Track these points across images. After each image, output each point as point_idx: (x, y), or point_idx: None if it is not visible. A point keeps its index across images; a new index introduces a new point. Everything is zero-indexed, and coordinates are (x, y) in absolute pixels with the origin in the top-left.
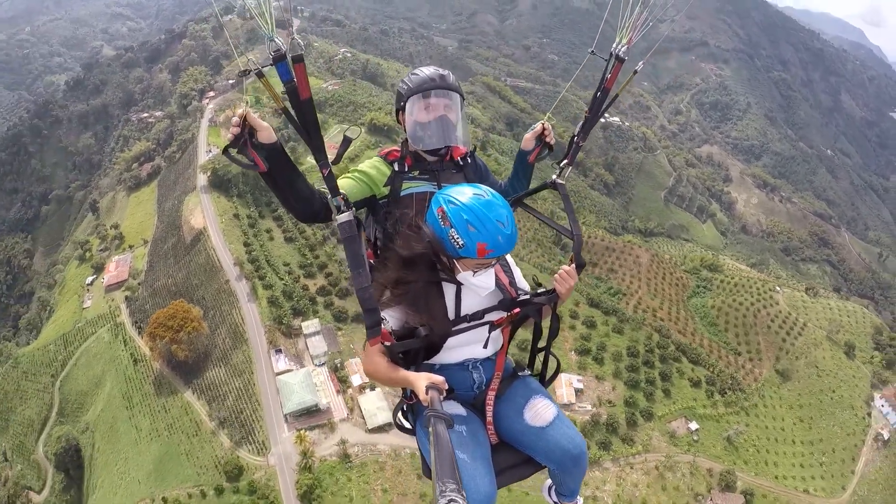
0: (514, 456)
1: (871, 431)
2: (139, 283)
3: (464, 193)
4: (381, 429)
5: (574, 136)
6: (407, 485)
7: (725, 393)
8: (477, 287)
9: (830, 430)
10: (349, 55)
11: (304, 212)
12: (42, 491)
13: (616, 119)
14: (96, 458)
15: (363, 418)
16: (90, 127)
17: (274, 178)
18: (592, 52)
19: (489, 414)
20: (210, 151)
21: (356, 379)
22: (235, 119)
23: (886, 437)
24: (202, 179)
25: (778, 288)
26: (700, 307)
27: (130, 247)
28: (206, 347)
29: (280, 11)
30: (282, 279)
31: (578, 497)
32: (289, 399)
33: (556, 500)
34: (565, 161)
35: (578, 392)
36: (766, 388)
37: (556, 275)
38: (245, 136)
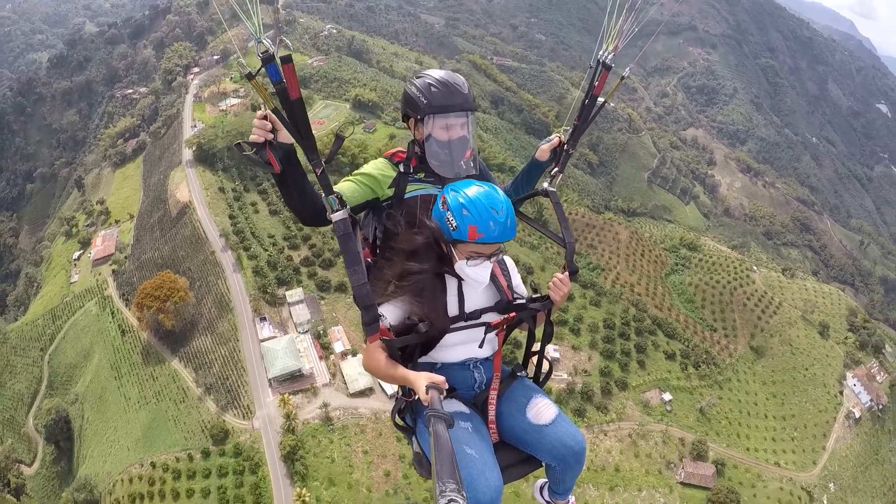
0: (513, 455)
1: (843, 409)
2: (126, 257)
3: (468, 185)
4: (362, 393)
5: (564, 144)
6: (387, 447)
7: (699, 366)
8: (470, 278)
9: (803, 407)
10: (335, 31)
11: (308, 214)
12: (33, 464)
13: (601, 99)
14: (86, 429)
15: (345, 383)
16: (74, 104)
17: (285, 179)
18: (592, 65)
19: (492, 412)
20: (195, 126)
21: (339, 346)
22: (261, 121)
23: (857, 416)
24: (188, 154)
25: (755, 268)
26: (678, 284)
27: (117, 221)
28: (193, 317)
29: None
30: (266, 250)
31: (570, 496)
32: (273, 364)
33: (548, 499)
34: (556, 169)
35: (554, 361)
36: (741, 363)
37: (550, 282)
38: (269, 137)
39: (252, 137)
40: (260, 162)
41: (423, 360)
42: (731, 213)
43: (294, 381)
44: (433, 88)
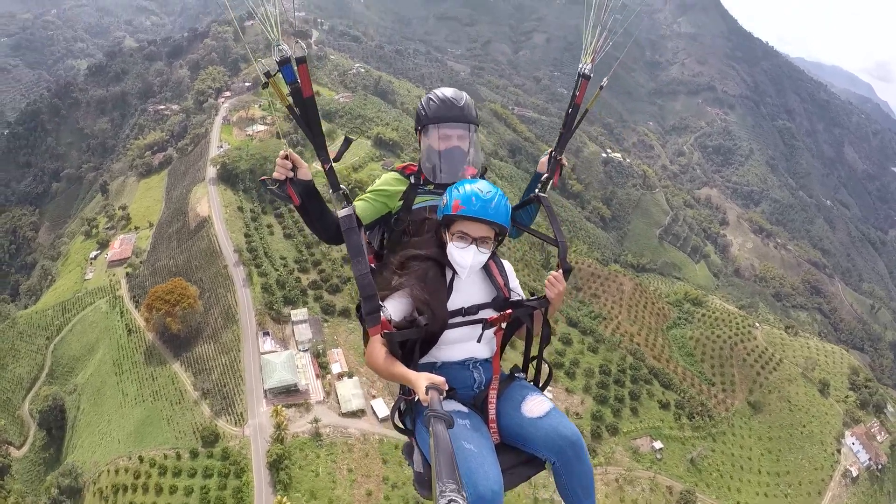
0: (515, 457)
1: (840, 468)
2: (141, 262)
3: (472, 181)
4: (353, 414)
5: (552, 152)
6: (371, 467)
7: (693, 417)
8: (455, 260)
9: (798, 464)
10: (363, 70)
11: (328, 236)
12: (22, 447)
13: (618, 155)
14: (80, 420)
15: (338, 403)
16: (107, 112)
17: (306, 210)
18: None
19: (492, 412)
20: (221, 147)
21: (336, 367)
22: (282, 161)
23: (855, 475)
24: (211, 172)
25: (757, 324)
26: (679, 337)
27: (136, 228)
28: (199, 324)
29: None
30: (277, 270)
31: None
32: (270, 376)
33: None
34: (545, 175)
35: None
36: (737, 418)
37: (546, 280)
38: (289, 176)
39: (275, 175)
40: (282, 196)
41: (423, 360)
42: (741, 274)
43: (289, 395)
44: (432, 102)
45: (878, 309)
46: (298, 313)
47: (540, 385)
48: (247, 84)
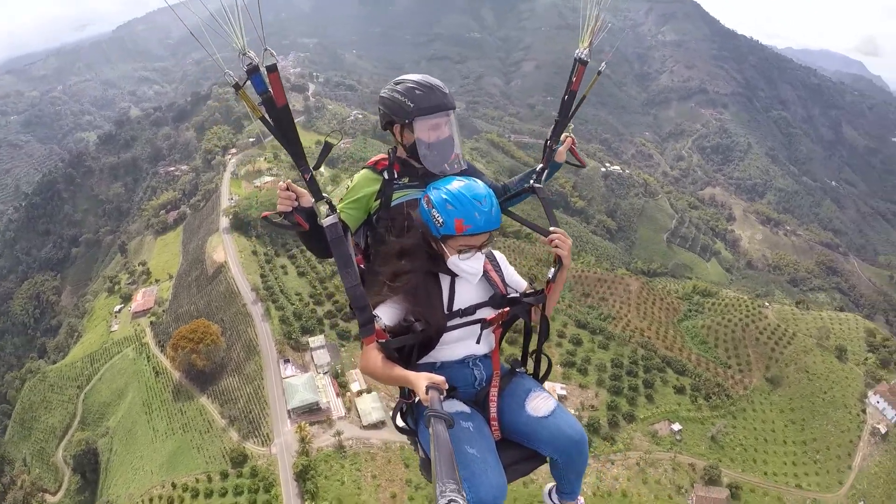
0: (517, 452)
1: (867, 427)
2: (164, 311)
3: (448, 182)
4: (374, 426)
5: (547, 141)
6: (394, 472)
7: (710, 398)
8: (464, 271)
9: (824, 429)
10: (360, 116)
11: (330, 255)
12: (57, 493)
13: (617, 168)
14: (113, 461)
15: (359, 417)
16: (120, 178)
17: (313, 234)
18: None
19: (493, 409)
20: (232, 199)
21: (356, 386)
22: (285, 192)
23: (884, 431)
24: (224, 222)
25: (767, 304)
26: (690, 328)
27: (157, 280)
28: (223, 359)
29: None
30: (293, 304)
31: (580, 497)
32: (293, 397)
33: (557, 501)
34: (541, 166)
35: (562, 398)
36: (756, 395)
37: (551, 244)
38: (294, 205)
39: (280, 207)
40: (288, 225)
41: (421, 361)
42: (755, 266)
43: (311, 413)
44: (417, 91)
45: None
46: (316, 340)
47: (540, 377)
48: (251, 140)
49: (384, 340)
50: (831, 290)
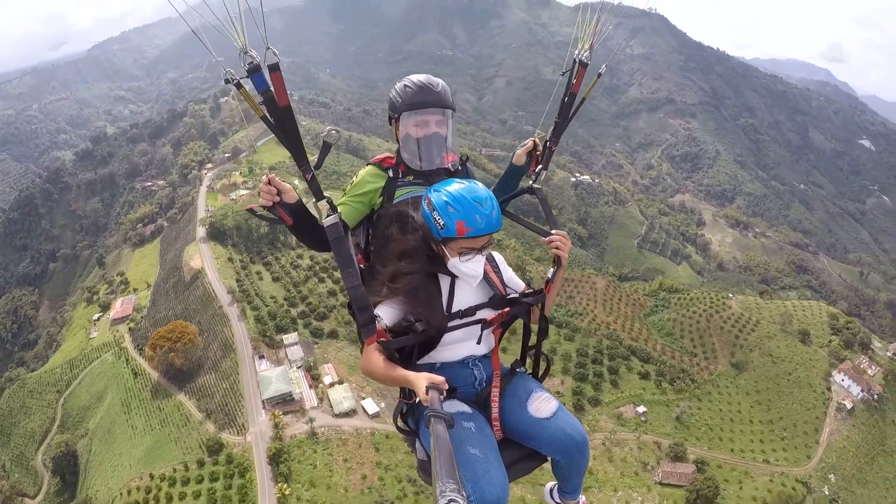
0: (517, 451)
1: (833, 404)
2: (142, 317)
3: (449, 183)
4: (346, 414)
5: (546, 142)
6: (365, 456)
7: (675, 382)
8: (465, 274)
9: (790, 408)
10: (334, 132)
11: (322, 248)
12: (37, 496)
13: (586, 177)
14: (92, 462)
15: (331, 406)
16: (97, 193)
17: (298, 229)
18: (563, 73)
19: (495, 409)
20: (208, 211)
21: (328, 378)
22: (267, 187)
23: (850, 407)
24: (201, 231)
25: (731, 295)
26: (657, 322)
27: (135, 290)
28: (200, 358)
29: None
30: (267, 305)
31: (581, 496)
32: (267, 388)
33: (559, 500)
34: (540, 166)
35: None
36: (721, 379)
37: (551, 245)
38: (276, 199)
39: (261, 202)
40: (273, 219)
41: (421, 361)
42: (725, 267)
43: (285, 403)
44: (408, 89)
45: (867, 274)
46: (290, 337)
47: (539, 376)
48: (226, 155)
49: (385, 340)
50: (802, 289)
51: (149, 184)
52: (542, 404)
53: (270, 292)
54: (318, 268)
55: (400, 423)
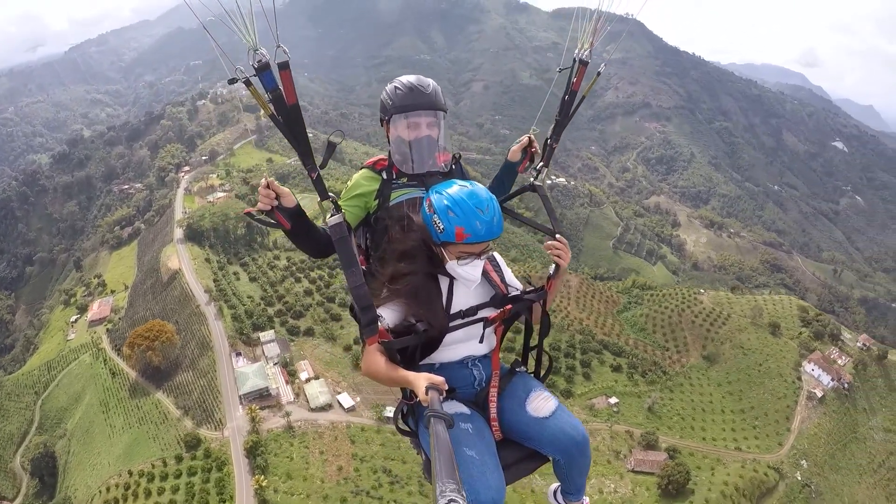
0: (518, 452)
1: (804, 393)
2: (120, 318)
3: (451, 186)
4: (322, 409)
5: (547, 140)
6: (341, 448)
7: (646, 374)
8: (462, 277)
9: (761, 398)
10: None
11: (318, 253)
12: (15, 499)
13: (562, 180)
14: (70, 462)
15: (307, 401)
16: (74, 196)
17: (296, 233)
18: (560, 69)
19: (493, 410)
20: (185, 213)
21: (304, 374)
22: (265, 191)
23: (820, 395)
24: (178, 233)
25: (702, 290)
26: (629, 318)
27: (112, 292)
28: (177, 357)
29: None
30: (244, 304)
31: (584, 497)
32: (244, 384)
33: (562, 502)
34: (541, 164)
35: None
36: (693, 372)
37: (551, 252)
38: (274, 204)
39: (259, 206)
40: (271, 224)
41: (422, 361)
42: (700, 267)
43: (262, 398)
44: (398, 90)
45: (840, 272)
46: (266, 335)
47: (541, 376)
48: (204, 158)
49: (387, 341)
50: (776, 287)
51: (126, 187)
52: (542, 403)
53: (247, 292)
54: (294, 268)
55: (400, 424)
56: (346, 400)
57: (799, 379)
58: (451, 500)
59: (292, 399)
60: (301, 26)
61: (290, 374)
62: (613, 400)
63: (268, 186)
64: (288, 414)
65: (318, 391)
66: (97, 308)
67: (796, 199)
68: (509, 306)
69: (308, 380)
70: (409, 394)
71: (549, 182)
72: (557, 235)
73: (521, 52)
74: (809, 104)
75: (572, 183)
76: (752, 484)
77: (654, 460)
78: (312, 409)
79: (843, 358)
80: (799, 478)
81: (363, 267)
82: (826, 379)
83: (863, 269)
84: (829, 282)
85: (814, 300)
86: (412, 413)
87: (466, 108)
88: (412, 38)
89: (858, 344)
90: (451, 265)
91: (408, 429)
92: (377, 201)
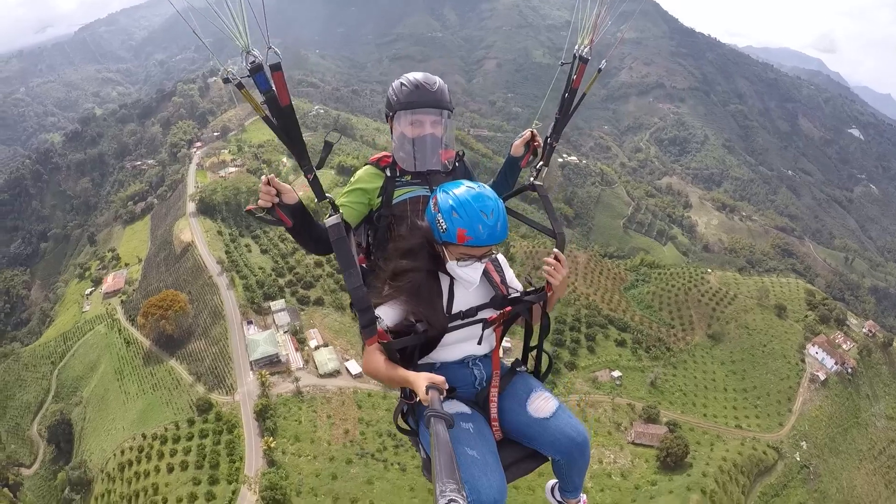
0: (518, 451)
1: (807, 375)
2: (134, 290)
3: (459, 186)
4: (330, 375)
5: (547, 138)
6: (348, 413)
7: (650, 349)
8: (461, 279)
9: (764, 378)
10: (322, 111)
11: (320, 250)
12: (33, 465)
13: (573, 158)
14: (86, 429)
15: (316, 368)
16: (87, 173)
17: (297, 230)
18: (562, 63)
19: (493, 410)
20: (198, 187)
21: (313, 342)
22: (266, 187)
23: (823, 378)
24: (191, 206)
25: (710, 270)
26: (636, 294)
27: (126, 265)
28: (190, 326)
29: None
30: (256, 275)
31: (582, 494)
32: (255, 351)
33: (559, 499)
34: (541, 163)
35: (506, 350)
36: (697, 350)
37: (544, 269)
38: (275, 201)
39: (260, 202)
40: (272, 221)
41: (421, 361)
42: (711, 249)
43: (272, 364)
44: (403, 87)
45: (852, 260)
46: (277, 304)
47: (541, 375)
48: (215, 134)
49: (387, 342)
50: (786, 272)
51: (138, 163)
52: (542, 404)
53: (259, 263)
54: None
55: (400, 423)
56: (353, 367)
57: (802, 361)
58: (452, 500)
59: (301, 365)
60: (312, 4)
61: (300, 342)
62: (617, 373)
63: (268, 183)
64: (297, 379)
65: (326, 358)
66: (111, 281)
67: (810, 185)
68: (509, 308)
69: (317, 347)
70: (409, 393)
71: (559, 160)
72: (555, 251)
73: (534, 30)
74: (826, 90)
75: (584, 162)
76: (751, 461)
77: (655, 433)
78: (321, 376)
79: (848, 343)
80: (798, 458)
81: (363, 265)
82: (830, 363)
83: (875, 259)
84: (840, 269)
85: (822, 286)
86: (412, 412)
87: (479, 86)
88: (424, 16)
89: (864, 330)
90: (451, 265)
91: (408, 428)
92: (381, 199)
